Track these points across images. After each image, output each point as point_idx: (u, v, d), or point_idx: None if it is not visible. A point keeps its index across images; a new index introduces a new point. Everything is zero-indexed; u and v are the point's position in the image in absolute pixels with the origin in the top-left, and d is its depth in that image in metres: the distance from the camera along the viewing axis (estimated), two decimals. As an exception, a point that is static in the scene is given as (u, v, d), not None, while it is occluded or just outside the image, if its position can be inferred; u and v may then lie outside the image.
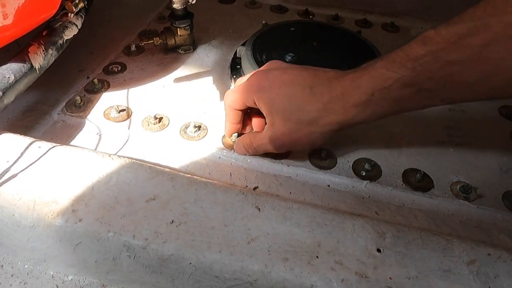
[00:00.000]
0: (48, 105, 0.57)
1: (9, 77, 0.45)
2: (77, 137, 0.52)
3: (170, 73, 0.64)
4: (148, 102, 0.58)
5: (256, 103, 0.42)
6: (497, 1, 0.29)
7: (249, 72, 0.59)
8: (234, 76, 0.62)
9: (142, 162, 0.41)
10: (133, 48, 0.68)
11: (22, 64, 0.47)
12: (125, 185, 0.38)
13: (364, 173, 0.48)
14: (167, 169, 0.41)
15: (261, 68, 0.46)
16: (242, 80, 0.47)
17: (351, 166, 0.49)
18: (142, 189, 0.38)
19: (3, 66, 0.45)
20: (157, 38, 0.65)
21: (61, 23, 0.54)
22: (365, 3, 0.82)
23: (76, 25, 0.56)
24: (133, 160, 0.41)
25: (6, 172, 0.38)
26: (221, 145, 0.51)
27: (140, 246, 0.34)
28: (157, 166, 0.41)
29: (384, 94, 0.36)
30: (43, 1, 0.47)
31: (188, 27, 0.65)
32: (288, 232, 0.34)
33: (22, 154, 0.40)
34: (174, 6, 0.62)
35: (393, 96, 0.36)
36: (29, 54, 0.48)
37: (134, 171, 0.39)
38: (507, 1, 0.28)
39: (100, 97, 0.58)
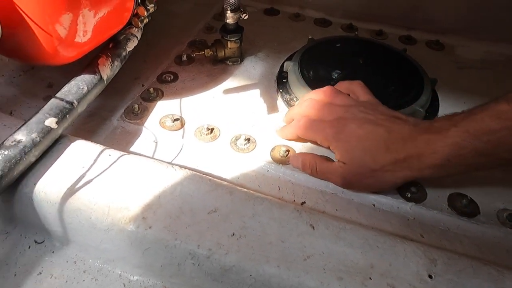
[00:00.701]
0: (108, 111, 0.61)
1: (83, 88, 0.49)
2: (135, 143, 0.56)
3: (219, 84, 0.67)
4: (200, 112, 0.61)
5: (331, 149, 0.48)
6: None
7: (296, 88, 0.62)
8: (281, 90, 0.64)
9: (202, 175, 0.44)
10: (184, 58, 0.71)
11: (93, 76, 0.51)
12: (188, 196, 0.41)
13: (409, 195, 0.49)
14: (225, 183, 0.43)
15: (327, 101, 0.49)
16: (299, 110, 0.51)
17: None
18: (203, 201, 0.41)
19: (78, 78, 0.50)
20: (208, 50, 0.68)
21: (124, 35, 0.58)
22: (410, 20, 0.82)
23: (137, 37, 0.60)
24: (194, 172, 0.44)
25: (82, 177, 0.42)
26: (269, 159, 0.54)
27: (204, 256, 0.37)
28: (216, 179, 0.44)
29: (460, 160, 0.39)
30: (115, 18, 0.51)
31: (238, 40, 0.68)
32: (341, 252, 0.37)
33: (95, 161, 0.44)
34: (228, 21, 0.64)
35: (469, 162, 0.39)
36: (98, 66, 0.52)
37: (195, 183, 0.42)
38: None
39: (155, 105, 0.62)
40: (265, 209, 0.40)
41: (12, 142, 0.40)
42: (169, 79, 0.67)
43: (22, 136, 0.41)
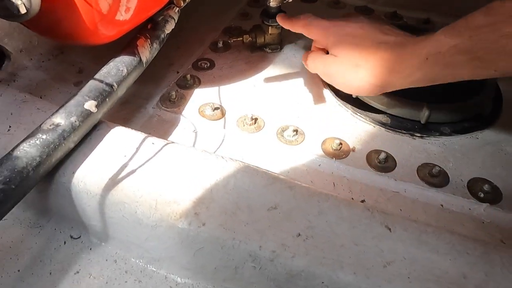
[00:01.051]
0: (143, 99, 0.57)
1: (122, 70, 0.44)
2: (173, 133, 0.52)
3: (258, 72, 0.62)
4: (241, 101, 0.56)
5: (328, 46, 0.49)
6: None
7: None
8: (327, 80, 0.59)
9: (257, 167, 0.39)
10: (220, 44, 0.67)
11: (132, 58, 0.46)
12: (243, 190, 0.36)
13: (482, 195, 0.44)
14: (282, 177, 0.39)
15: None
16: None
17: (465, 185, 0.45)
18: (261, 196, 0.36)
19: (117, 59, 0.45)
20: (247, 35, 0.64)
21: (162, 16, 0.53)
22: (459, 8, 0.76)
23: (174, 19, 0.55)
24: (246, 164, 0.39)
25: (125, 167, 0.38)
26: (321, 152, 0.49)
27: (267, 258, 0.32)
28: (271, 172, 0.39)
29: (437, 59, 0.38)
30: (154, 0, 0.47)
31: (279, 26, 0.63)
32: (426, 258, 0.32)
33: (137, 149, 0.40)
34: (271, 4, 0.60)
35: (445, 62, 0.38)
36: (138, 48, 0.48)
37: (250, 176, 0.38)
38: None
39: (192, 93, 0.58)
40: (332, 207, 0.35)
41: (50, 126, 0.36)
42: (205, 66, 0.63)
43: (60, 119, 0.37)
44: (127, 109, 0.55)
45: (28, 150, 0.34)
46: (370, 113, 0.54)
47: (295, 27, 0.54)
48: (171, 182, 0.37)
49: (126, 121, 0.53)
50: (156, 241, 0.36)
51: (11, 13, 0.36)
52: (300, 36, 0.70)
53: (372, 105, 0.53)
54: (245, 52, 0.66)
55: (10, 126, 0.41)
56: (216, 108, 0.54)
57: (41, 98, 0.54)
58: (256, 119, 0.53)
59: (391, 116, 0.53)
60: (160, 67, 0.63)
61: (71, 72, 0.60)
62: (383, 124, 0.52)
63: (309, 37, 0.52)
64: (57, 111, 0.38)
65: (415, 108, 0.51)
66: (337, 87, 0.49)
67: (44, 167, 0.35)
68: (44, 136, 0.35)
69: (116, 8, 0.40)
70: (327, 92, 0.58)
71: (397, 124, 0.52)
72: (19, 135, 0.40)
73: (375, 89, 0.45)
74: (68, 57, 0.63)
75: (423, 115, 0.50)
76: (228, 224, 0.34)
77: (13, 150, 0.33)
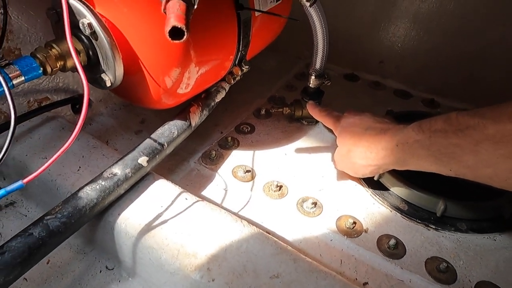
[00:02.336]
0: (187, 153, 0.66)
1: (173, 132, 0.54)
2: (207, 187, 0.59)
3: (292, 142, 0.69)
4: (270, 167, 0.63)
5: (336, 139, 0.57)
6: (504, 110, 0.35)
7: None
8: (354, 158, 0.64)
9: (268, 235, 0.44)
10: (262, 112, 0.75)
11: (184, 122, 0.56)
12: (253, 255, 0.42)
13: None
14: (289, 248, 0.43)
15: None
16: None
17: (473, 287, 0.46)
18: (267, 263, 0.41)
19: (171, 122, 0.55)
20: (287, 108, 0.72)
21: (215, 88, 0.63)
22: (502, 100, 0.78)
23: (225, 90, 0.65)
24: (261, 230, 0.45)
25: (159, 216, 0.45)
26: (334, 227, 0.53)
27: (261, 322, 0.36)
28: (281, 242, 0.44)
29: (404, 148, 0.45)
30: (213, 75, 0.57)
31: (317, 103, 0.70)
32: None
33: (172, 202, 0.47)
34: (310, 85, 0.68)
35: (411, 152, 0.44)
36: (190, 114, 0.57)
37: (261, 243, 0.43)
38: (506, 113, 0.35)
39: (230, 153, 0.65)
40: (327, 286, 0.39)
41: (109, 175, 0.45)
42: (246, 130, 0.71)
43: (118, 170, 0.46)
44: (173, 161, 0.64)
45: (89, 193, 0.42)
46: (388, 197, 0.57)
47: (317, 116, 0.64)
48: (194, 236, 0.43)
49: (170, 171, 0.61)
50: (172, 286, 0.42)
51: (101, 85, 0.47)
52: (339, 111, 0.77)
53: (392, 190, 0.57)
54: (284, 121, 0.74)
55: (80, 167, 0.51)
56: (248, 171, 0.61)
57: (107, 142, 0.66)
58: (280, 187, 0.58)
59: (408, 203, 0.56)
60: (206, 126, 0.72)
61: (135, 121, 0.72)
62: (399, 210, 0.55)
63: (326, 126, 0.63)
64: (116, 162, 0.47)
65: (432, 199, 0.53)
66: (350, 174, 0.57)
67: (98, 207, 0.43)
68: (103, 183, 0.44)
69: (178, 84, 0.50)
70: (351, 170, 0.63)
71: (413, 212, 0.55)
72: (85, 176, 0.50)
73: (364, 169, 0.53)
74: (134, 108, 0.75)
75: (439, 208, 0.52)
76: (233, 284, 0.39)
77: (78, 191, 0.43)
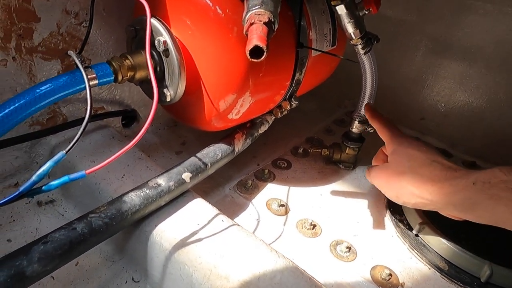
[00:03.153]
0: (223, 178, 0.66)
1: (217, 155, 0.55)
2: (240, 215, 0.59)
3: (328, 183, 0.68)
4: (305, 205, 0.62)
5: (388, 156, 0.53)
6: None
7: (409, 211, 0.60)
8: (391, 209, 0.62)
9: (303, 270, 0.43)
10: (300, 150, 0.76)
11: (228, 146, 0.57)
12: (286, 288, 0.40)
13: None
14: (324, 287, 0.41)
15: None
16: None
17: None
18: (300, 299, 0.39)
19: (216, 145, 0.56)
20: (325, 150, 0.72)
21: (261, 119, 0.65)
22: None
23: (269, 123, 0.67)
24: (296, 265, 0.43)
25: (195, 234, 0.45)
26: (369, 277, 0.50)
27: None
28: (315, 280, 0.42)
29: (484, 187, 0.40)
30: (263, 106, 0.59)
31: (357, 148, 0.70)
32: None
33: (209, 221, 0.47)
34: (353, 130, 0.68)
35: (490, 192, 0.39)
36: (234, 140, 0.59)
37: (296, 278, 0.41)
38: None
39: (265, 185, 0.65)
40: (365, 334, 0.36)
41: (154, 184, 0.46)
42: (283, 165, 0.71)
43: (162, 181, 0.47)
44: (209, 184, 0.64)
45: (133, 199, 0.43)
46: (427, 254, 0.54)
47: (373, 120, 0.60)
48: (227, 259, 0.42)
49: (205, 194, 0.62)
50: (199, 308, 0.40)
51: (160, 99, 0.50)
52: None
53: (431, 246, 0.54)
54: (321, 163, 0.74)
55: (124, 175, 0.53)
56: (282, 205, 0.60)
57: (149, 157, 0.68)
58: (314, 225, 0.57)
59: (449, 263, 0.52)
60: (245, 156, 0.73)
61: (176, 142, 0.74)
62: (439, 269, 0.52)
63: (380, 135, 0.57)
64: (162, 173, 0.48)
65: (477, 262, 0.50)
66: (385, 194, 0.53)
67: (139, 214, 0.43)
68: (147, 191, 0.45)
69: (231, 110, 0.52)
70: (388, 221, 0.61)
71: (454, 274, 0.51)
72: (128, 184, 0.51)
73: (412, 199, 0.47)
74: (178, 129, 0.77)
75: (484, 273, 0.49)
76: (264, 314, 0.37)
77: (123, 195, 0.43)
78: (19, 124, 0.54)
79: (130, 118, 0.71)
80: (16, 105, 0.39)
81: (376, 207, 0.64)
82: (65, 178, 0.34)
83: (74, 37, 0.55)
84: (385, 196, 0.66)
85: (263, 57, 0.31)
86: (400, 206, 0.62)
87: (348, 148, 0.70)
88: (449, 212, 0.45)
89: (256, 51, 0.30)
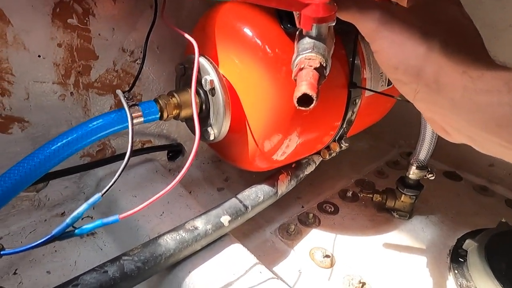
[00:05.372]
0: (265, 220, 0.62)
1: (259, 197, 0.52)
2: (280, 264, 0.54)
3: (380, 234, 0.62)
4: (354, 258, 0.56)
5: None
6: None
7: (478, 275, 0.51)
8: (455, 271, 0.54)
9: None
10: (349, 194, 0.70)
11: (271, 188, 0.54)
12: None
13: None
14: None
15: None
16: None
17: None
18: None
19: (258, 186, 0.53)
20: (378, 195, 0.66)
21: (307, 160, 0.61)
22: None
23: (316, 164, 0.63)
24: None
25: (230, 285, 0.41)
26: None
27: None
28: None
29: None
30: (310, 147, 0.55)
31: (414, 196, 0.63)
32: None
33: (246, 272, 0.43)
34: (410, 176, 0.62)
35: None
36: (278, 181, 0.55)
37: None
38: None
39: (309, 231, 0.60)
40: None
41: (191, 227, 0.44)
42: (329, 209, 0.66)
43: (200, 224, 0.44)
44: (249, 225, 0.61)
45: (168, 242, 0.41)
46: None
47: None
48: (263, 319, 0.38)
49: (245, 236, 0.58)
50: None
51: (204, 137, 0.48)
52: (433, 211, 0.68)
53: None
54: (372, 209, 0.67)
55: (163, 212, 0.51)
56: (327, 256, 0.55)
57: (190, 193, 0.67)
58: (364, 284, 0.51)
59: None
60: (288, 196, 0.69)
61: (219, 178, 0.73)
62: None
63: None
64: (200, 215, 0.46)
65: None
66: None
67: (173, 259, 0.41)
68: (183, 234, 0.42)
69: (275, 150, 0.49)
70: (451, 284, 0.52)
71: None
72: (166, 222, 0.50)
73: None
74: (222, 165, 0.76)
75: None
76: None
77: (158, 237, 0.42)
78: (71, 157, 0.57)
79: (175, 152, 0.71)
80: (69, 138, 0.40)
81: (437, 267, 0.55)
82: (98, 223, 0.33)
83: (128, 73, 0.57)
84: (448, 254, 0.58)
85: (312, 105, 0.28)
86: (467, 267, 0.53)
87: (403, 195, 0.64)
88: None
89: (304, 99, 0.27)
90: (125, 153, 0.61)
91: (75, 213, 0.32)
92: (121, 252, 0.40)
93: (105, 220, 0.33)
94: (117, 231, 0.54)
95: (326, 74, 0.29)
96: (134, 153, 0.62)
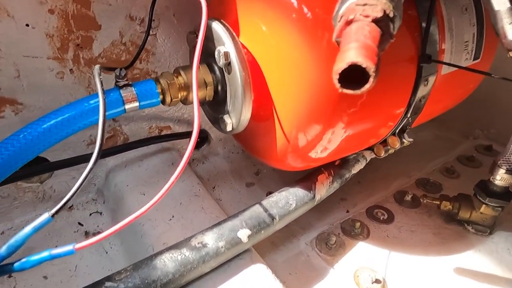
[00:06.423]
0: (299, 227, 0.52)
1: (291, 204, 0.41)
2: (315, 286, 0.43)
3: (449, 253, 0.48)
4: (413, 283, 0.43)
5: None
6: None
7: None
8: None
9: None
10: (407, 197, 0.56)
11: (306, 193, 0.43)
12: None
13: None
14: None
15: None
16: None
17: None
18: None
19: (291, 190, 0.42)
20: (447, 202, 0.52)
21: (355, 156, 0.48)
22: None
23: (366, 161, 0.50)
24: None
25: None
26: None
27: None
28: None
29: None
30: (361, 141, 0.43)
31: (499, 208, 0.48)
32: None
33: (266, 306, 0.33)
34: (496, 182, 0.46)
35: None
36: (316, 183, 0.44)
37: None
38: None
39: (355, 244, 0.49)
40: None
41: (197, 243, 0.34)
42: (381, 217, 0.53)
43: (209, 239, 0.35)
44: (280, 232, 0.50)
45: (167, 264, 0.32)
46: None
47: None
48: None
49: (273, 246, 0.48)
50: None
51: (220, 128, 0.38)
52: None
53: None
54: (438, 219, 0.53)
55: (173, 216, 0.43)
56: (377, 281, 0.43)
57: (214, 188, 0.58)
58: (426, 326, 0.38)
59: None
60: (330, 198, 0.56)
61: (249, 171, 0.62)
62: None
63: None
64: (211, 228, 0.36)
65: None
66: None
67: (172, 286, 0.32)
68: (187, 253, 0.33)
69: (313, 146, 0.38)
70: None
71: None
72: (175, 229, 0.41)
73: None
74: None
75: None
76: None
77: (155, 256, 0.33)
78: (76, 144, 0.50)
79: (200, 139, 0.62)
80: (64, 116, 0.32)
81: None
82: (45, 256, 0.24)
83: (138, 46, 0.48)
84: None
85: (367, 87, 0.16)
86: None
87: (484, 205, 0.49)
88: None
89: (353, 75, 0.15)
90: (142, 140, 0.54)
91: (12, 241, 0.24)
92: (128, 258, 0.32)
93: (54, 252, 0.24)
94: (124, 234, 0.46)
95: (394, 32, 0.17)
96: (148, 141, 0.54)
